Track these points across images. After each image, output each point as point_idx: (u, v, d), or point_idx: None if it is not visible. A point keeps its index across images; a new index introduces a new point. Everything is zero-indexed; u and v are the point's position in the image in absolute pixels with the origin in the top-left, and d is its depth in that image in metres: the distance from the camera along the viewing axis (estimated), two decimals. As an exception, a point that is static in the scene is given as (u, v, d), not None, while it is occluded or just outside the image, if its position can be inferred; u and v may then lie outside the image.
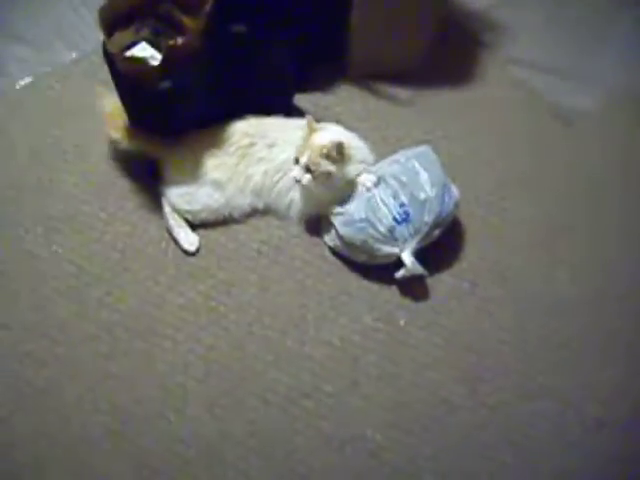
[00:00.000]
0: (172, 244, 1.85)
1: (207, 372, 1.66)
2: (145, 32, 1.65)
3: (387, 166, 1.76)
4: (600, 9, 2.35)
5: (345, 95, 2.13)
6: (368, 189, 1.73)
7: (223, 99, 1.78)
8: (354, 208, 1.71)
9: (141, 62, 1.55)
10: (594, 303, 1.77)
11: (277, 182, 1.81)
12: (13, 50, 2.24)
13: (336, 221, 1.74)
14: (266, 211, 1.88)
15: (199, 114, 1.75)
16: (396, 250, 1.69)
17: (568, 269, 1.82)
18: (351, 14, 1.96)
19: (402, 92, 2.14)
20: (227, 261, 1.83)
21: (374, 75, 2.15)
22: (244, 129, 1.83)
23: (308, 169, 1.67)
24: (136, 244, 1.85)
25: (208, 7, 1.57)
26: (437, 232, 1.71)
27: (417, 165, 1.73)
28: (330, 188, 1.72)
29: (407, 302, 1.76)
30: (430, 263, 1.74)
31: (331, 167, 1.68)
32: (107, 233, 1.87)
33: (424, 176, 1.70)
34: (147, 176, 1.91)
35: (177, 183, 1.84)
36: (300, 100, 2.07)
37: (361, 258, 1.75)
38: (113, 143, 1.90)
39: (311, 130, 1.71)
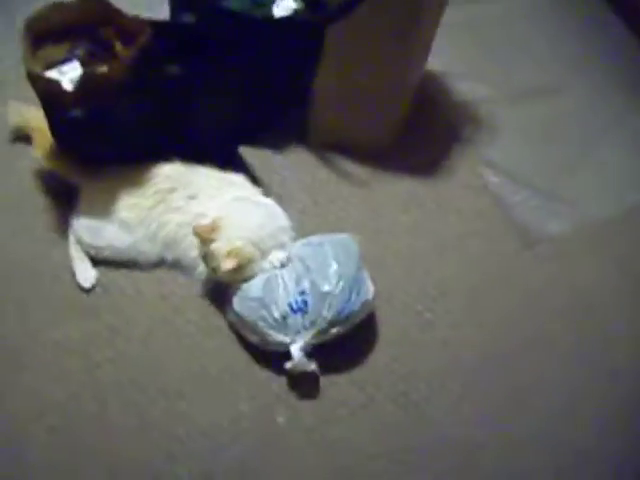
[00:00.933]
0: (69, 275, 1.72)
1: (59, 426, 1.52)
2: (79, 51, 1.54)
3: (300, 246, 1.62)
4: (592, 128, 2.19)
5: (297, 160, 2.00)
6: (274, 267, 1.58)
7: (153, 138, 1.67)
8: (252, 285, 1.57)
9: (56, 84, 1.44)
10: (502, 446, 1.58)
11: (187, 236, 1.67)
12: None
13: (233, 295, 1.59)
14: (174, 265, 1.75)
15: (122, 149, 1.63)
16: (287, 340, 1.54)
17: (474, 405, 1.64)
18: (313, 80, 1.85)
19: (359, 171, 2.00)
20: (119, 307, 1.70)
21: (334, 145, 2.01)
22: (168, 172, 1.72)
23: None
24: (32, 265, 1.73)
25: (142, 40, 1.47)
26: (336, 330, 1.55)
27: (330, 253, 1.59)
28: (238, 277, 1.59)
29: (292, 399, 1.60)
30: (328, 361, 1.58)
31: (234, 266, 1.54)
32: (5, 246, 1.75)
33: (333, 267, 1.56)
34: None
35: (85, 214, 1.73)
36: (247, 153, 1.95)
37: (254, 339, 1.60)
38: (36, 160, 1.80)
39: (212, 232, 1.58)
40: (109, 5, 1.52)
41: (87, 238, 1.72)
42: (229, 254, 1.53)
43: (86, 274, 1.71)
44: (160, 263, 1.75)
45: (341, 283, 1.54)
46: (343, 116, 1.95)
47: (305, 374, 1.56)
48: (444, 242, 1.90)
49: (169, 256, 1.73)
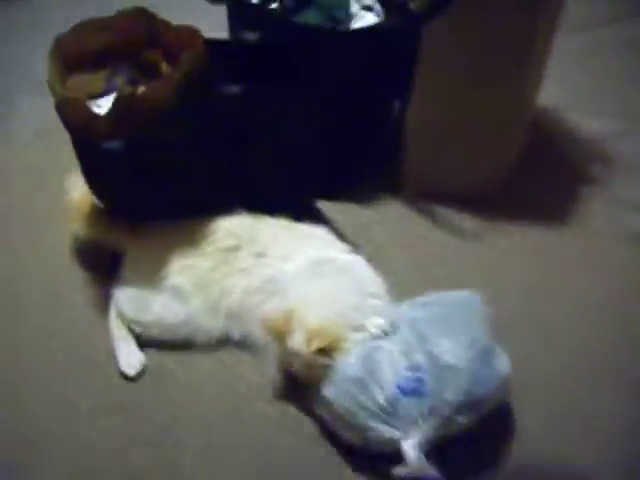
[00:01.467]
0: (111, 360, 1.35)
1: None
2: (118, 80, 1.25)
3: (408, 308, 1.20)
4: None
5: (390, 213, 1.64)
6: (373, 337, 1.17)
7: (210, 182, 1.34)
8: (347, 363, 1.16)
9: (86, 108, 1.14)
10: None
11: (256, 306, 1.30)
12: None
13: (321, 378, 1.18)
14: (240, 343, 1.35)
15: (172, 196, 1.30)
16: (396, 434, 1.10)
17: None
18: (407, 112, 1.50)
19: (467, 222, 1.61)
20: (170, 400, 1.31)
21: (433, 195, 1.63)
22: (230, 227, 1.37)
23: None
24: (70, 351, 1.38)
25: (192, 52, 1.16)
26: (464, 420, 1.10)
27: (450, 315, 1.18)
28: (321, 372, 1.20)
29: (405, 521, 1.13)
30: (451, 466, 1.12)
31: (328, 361, 1.18)
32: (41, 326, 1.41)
33: (457, 332, 1.15)
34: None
35: (130, 282, 1.38)
36: (330, 210, 1.61)
37: (350, 437, 1.17)
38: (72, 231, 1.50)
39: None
40: (154, 18, 1.24)
41: (131, 312, 1.36)
42: (310, 338, 1.15)
43: (130, 358, 1.34)
44: (223, 342, 1.36)
45: (469, 354, 1.11)
46: (444, 157, 1.59)
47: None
48: (587, 302, 1.44)
49: (234, 331, 1.35)
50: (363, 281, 1.30)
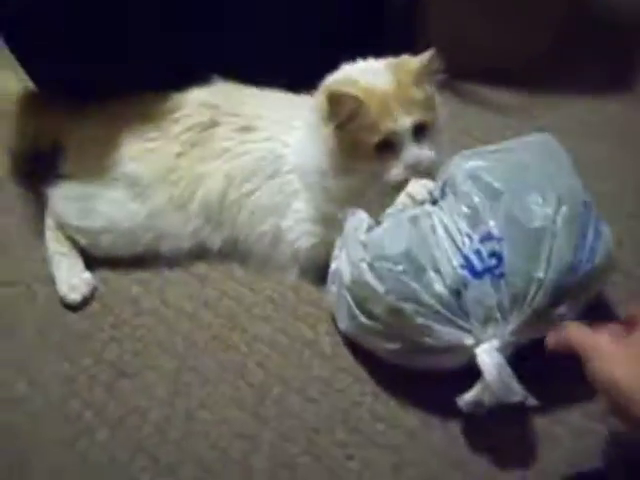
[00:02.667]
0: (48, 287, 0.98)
1: None
2: None
3: (465, 162, 0.84)
4: None
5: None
6: (418, 204, 0.81)
7: (167, 46, 0.97)
8: (385, 233, 0.79)
9: None
10: None
11: (248, 197, 0.94)
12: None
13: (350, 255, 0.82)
14: (226, 251, 0.98)
15: (117, 65, 0.94)
16: (466, 338, 0.73)
17: None
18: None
19: (505, 97, 1.25)
20: (132, 334, 0.93)
21: (459, 72, 1.28)
22: (203, 98, 1.01)
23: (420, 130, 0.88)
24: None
25: None
26: (565, 310, 0.74)
27: (527, 162, 0.81)
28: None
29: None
30: (548, 384, 0.76)
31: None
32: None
33: (542, 184, 0.78)
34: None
35: (70, 179, 1.00)
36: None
37: (391, 347, 0.80)
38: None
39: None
40: None
41: (73, 216, 0.99)
42: None
43: (73, 280, 0.97)
44: (200, 250, 0.99)
45: (563, 213, 0.75)
46: (471, 26, 1.24)
47: (503, 412, 0.74)
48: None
49: (214, 237, 0.98)
50: None
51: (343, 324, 0.86)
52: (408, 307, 0.75)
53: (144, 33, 0.98)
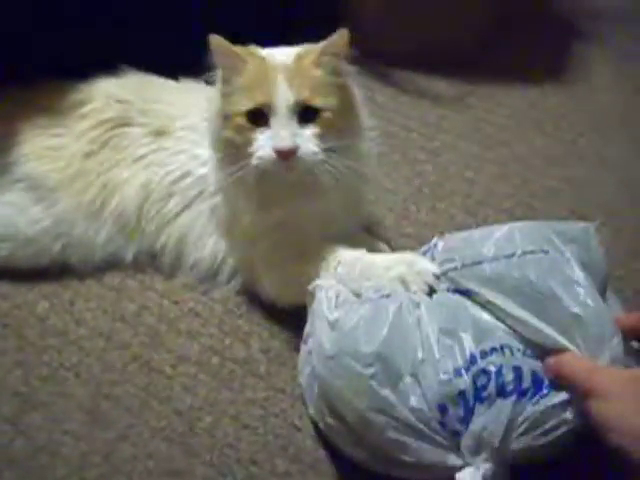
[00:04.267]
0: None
1: None
2: None
3: (474, 264, 0.69)
4: None
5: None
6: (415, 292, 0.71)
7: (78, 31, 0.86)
8: (360, 325, 0.68)
9: None
10: None
11: (176, 219, 0.87)
12: None
13: (316, 334, 0.72)
14: (143, 262, 0.89)
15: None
16: (451, 459, 0.64)
17: None
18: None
19: (441, 85, 1.21)
20: (41, 360, 0.82)
21: (390, 57, 1.22)
22: (112, 92, 0.90)
23: (306, 115, 0.75)
24: None
25: None
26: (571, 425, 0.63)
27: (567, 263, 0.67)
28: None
29: None
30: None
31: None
32: None
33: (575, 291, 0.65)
34: None
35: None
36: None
37: (363, 457, 0.70)
38: None
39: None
40: None
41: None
42: None
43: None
44: (116, 262, 0.89)
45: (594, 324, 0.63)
46: (404, 11, 1.19)
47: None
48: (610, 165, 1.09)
49: (127, 247, 0.88)
50: None
51: (312, 412, 0.75)
52: (378, 419, 0.64)
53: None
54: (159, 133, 0.88)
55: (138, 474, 0.72)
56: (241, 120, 0.75)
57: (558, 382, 0.62)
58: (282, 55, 0.78)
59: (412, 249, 0.82)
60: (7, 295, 0.88)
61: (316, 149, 0.74)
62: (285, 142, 0.73)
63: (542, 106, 1.18)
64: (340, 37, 0.76)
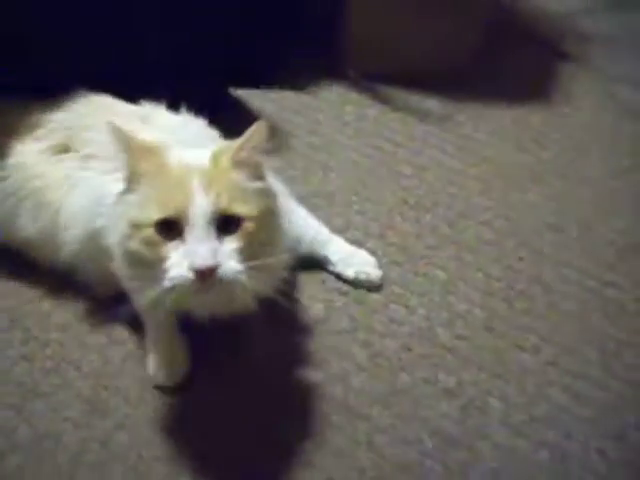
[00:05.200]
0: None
1: None
2: None
3: None
4: None
5: (332, 98, 1.27)
6: None
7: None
8: None
9: None
10: None
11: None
12: None
13: None
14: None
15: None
16: None
17: None
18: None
19: (430, 103, 1.27)
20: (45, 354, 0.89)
21: (387, 77, 1.29)
22: (63, 118, 0.91)
23: (225, 224, 0.68)
24: None
25: None
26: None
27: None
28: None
29: None
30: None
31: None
32: None
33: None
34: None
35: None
36: (257, 98, 1.24)
37: None
38: None
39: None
40: None
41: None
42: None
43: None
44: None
45: None
46: (396, 29, 1.24)
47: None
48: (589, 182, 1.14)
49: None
50: None
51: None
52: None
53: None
54: (86, 157, 0.87)
55: (132, 459, 0.78)
56: (150, 232, 0.67)
57: None
58: (196, 156, 0.71)
59: (397, 258, 0.90)
60: (13, 293, 0.93)
61: (238, 267, 0.66)
62: (204, 260, 0.64)
63: (525, 124, 1.23)
64: (258, 130, 0.69)
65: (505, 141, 1.20)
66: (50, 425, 0.81)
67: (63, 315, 0.91)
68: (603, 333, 0.91)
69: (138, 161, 0.69)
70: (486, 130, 1.21)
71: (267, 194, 0.72)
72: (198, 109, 0.90)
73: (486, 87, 1.29)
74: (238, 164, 0.69)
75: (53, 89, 0.93)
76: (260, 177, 0.72)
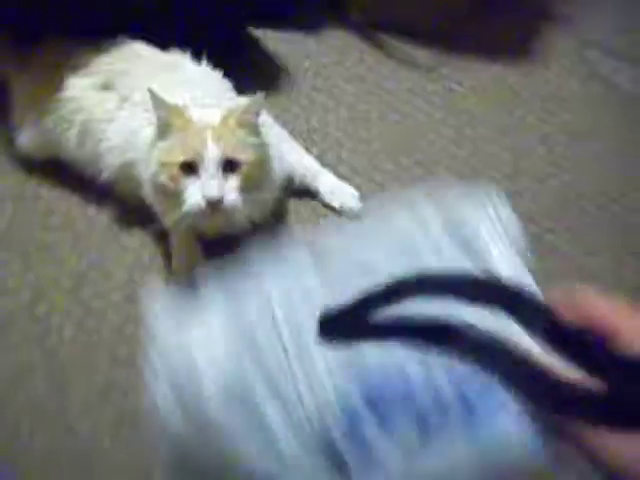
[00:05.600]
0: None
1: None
2: None
3: None
4: None
5: (337, 44, 1.45)
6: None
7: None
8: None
9: None
10: None
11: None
12: None
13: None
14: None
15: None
16: None
17: None
18: None
19: (421, 54, 1.44)
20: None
21: (384, 25, 1.45)
22: (107, 59, 1.09)
23: (230, 167, 0.92)
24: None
25: None
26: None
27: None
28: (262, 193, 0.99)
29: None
30: None
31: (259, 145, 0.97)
32: None
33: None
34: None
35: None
36: (271, 40, 1.40)
37: None
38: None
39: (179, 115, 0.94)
40: None
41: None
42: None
43: None
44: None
45: None
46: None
47: None
48: (546, 141, 1.33)
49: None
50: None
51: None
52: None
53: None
54: (123, 99, 1.06)
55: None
56: (175, 169, 0.90)
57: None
58: (210, 115, 0.93)
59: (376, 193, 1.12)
60: (65, 198, 1.15)
61: (238, 198, 0.91)
62: (214, 191, 0.88)
63: (503, 81, 1.40)
64: (258, 99, 0.94)
65: (483, 96, 1.38)
66: (99, 304, 1.04)
67: (105, 219, 1.14)
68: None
69: (169, 118, 0.93)
70: (467, 84, 1.39)
71: (261, 146, 0.96)
72: (218, 46, 1.08)
73: (473, 44, 1.45)
74: (241, 124, 0.93)
75: (96, 34, 1.11)
76: (257, 134, 0.95)
